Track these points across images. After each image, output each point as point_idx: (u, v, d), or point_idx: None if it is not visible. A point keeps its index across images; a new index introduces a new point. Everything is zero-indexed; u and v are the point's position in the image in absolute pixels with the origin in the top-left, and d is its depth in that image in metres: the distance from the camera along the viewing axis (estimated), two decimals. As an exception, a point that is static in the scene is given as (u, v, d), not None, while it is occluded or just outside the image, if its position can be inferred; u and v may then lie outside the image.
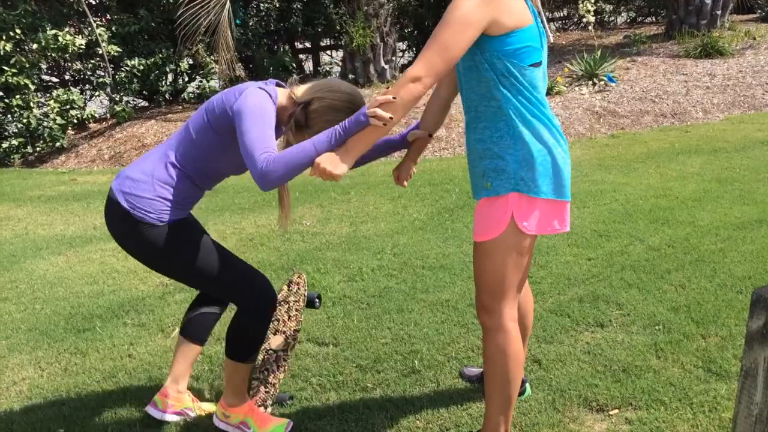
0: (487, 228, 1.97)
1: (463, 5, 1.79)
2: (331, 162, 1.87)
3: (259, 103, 2.02)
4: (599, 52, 8.97)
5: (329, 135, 1.90)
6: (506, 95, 1.89)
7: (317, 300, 2.68)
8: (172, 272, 2.23)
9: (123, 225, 2.15)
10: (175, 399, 2.47)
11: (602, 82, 8.62)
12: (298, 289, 2.69)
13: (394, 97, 1.82)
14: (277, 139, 2.19)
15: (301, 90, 2.17)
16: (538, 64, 1.92)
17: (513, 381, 2.04)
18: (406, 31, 12.43)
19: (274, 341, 2.57)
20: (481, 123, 1.96)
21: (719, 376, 2.54)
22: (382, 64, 9.88)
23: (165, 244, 2.15)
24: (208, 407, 2.57)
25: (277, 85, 2.21)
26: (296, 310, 2.63)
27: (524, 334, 2.37)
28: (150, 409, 2.47)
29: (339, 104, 2.11)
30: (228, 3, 8.27)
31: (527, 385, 2.52)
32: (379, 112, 1.82)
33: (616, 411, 2.37)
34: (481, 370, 2.64)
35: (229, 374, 2.33)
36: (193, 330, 2.46)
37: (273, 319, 2.53)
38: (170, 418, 2.45)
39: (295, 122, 2.13)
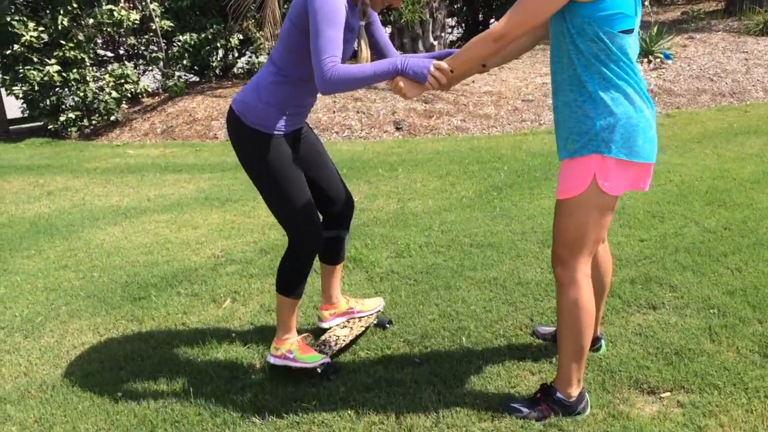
0: (569, 186, 2.06)
1: None
2: (406, 84, 2.15)
3: (330, 3, 2.13)
4: (655, 29, 8.70)
5: (390, 66, 2.14)
6: (593, 61, 1.96)
7: (388, 324, 2.97)
8: (253, 183, 2.45)
9: (234, 129, 2.41)
10: (333, 307, 2.91)
11: (658, 60, 8.37)
12: (376, 311, 3.01)
13: (451, 70, 2.10)
14: (352, 36, 2.38)
15: None
16: (630, 31, 1.97)
17: (585, 332, 2.15)
18: (455, 6, 12.26)
19: (341, 331, 2.84)
20: (568, 86, 2.03)
21: (776, 362, 2.48)
22: (431, 40, 9.78)
23: (254, 151, 2.38)
24: (371, 303, 2.96)
25: None
26: (366, 323, 2.93)
27: (602, 293, 2.47)
28: (321, 324, 2.91)
29: None
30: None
31: (602, 341, 2.61)
32: (438, 75, 2.11)
33: (668, 394, 2.34)
34: (554, 329, 2.72)
35: (277, 308, 2.61)
36: (330, 256, 2.80)
37: (350, 319, 2.91)
38: (336, 321, 2.90)
39: None
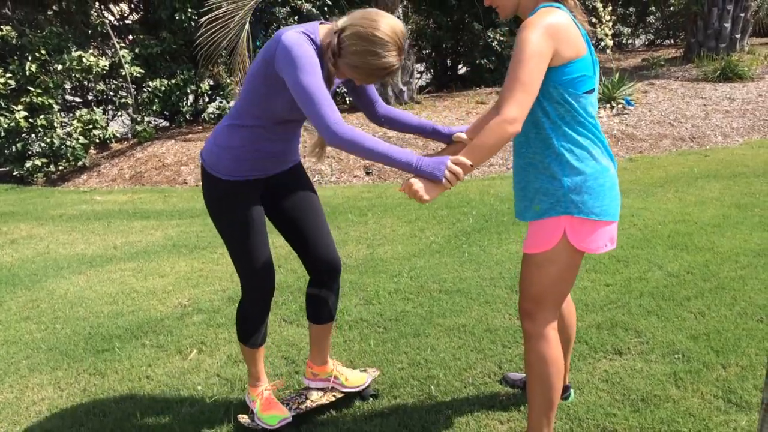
0: (538, 242, 2.06)
1: (531, 40, 1.86)
2: (423, 187, 1.91)
3: (300, 51, 2.00)
4: (617, 75, 8.97)
5: (404, 157, 1.94)
6: (559, 123, 1.98)
7: (371, 395, 2.77)
8: (217, 230, 2.43)
9: (202, 179, 2.39)
10: (319, 369, 2.72)
11: (620, 106, 8.61)
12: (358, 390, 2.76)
13: (472, 165, 1.90)
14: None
15: (342, 20, 2.11)
16: (591, 91, 2.01)
17: (554, 385, 2.14)
18: (423, 53, 12.51)
19: (315, 394, 2.73)
20: (532, 148, 2.04)
21: (739, 407, 2.51)
22: (400, 86, 9.95)
23: (212, 196, 2.36)
24: (355, 379, 2.73)
25: (321, 23, 2.18)
26: (342, 394, 2.75)
27: (568, 343, 2.48)
28: (304, 380, 2.76)
29: (364, 31, 2.01)
30: (247, 24, 8.39)
31: (571, 390, 2.62)
32: (457, 171, 1.89)
33: (635, 441, 2.35)
34: (524, 375, 2.72)
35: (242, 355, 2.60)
36: (312, 314, 2.64)
37: (331, 386, 2.72)
38: (315, 385, 2.73)
39: (332, 52, 2.09)
